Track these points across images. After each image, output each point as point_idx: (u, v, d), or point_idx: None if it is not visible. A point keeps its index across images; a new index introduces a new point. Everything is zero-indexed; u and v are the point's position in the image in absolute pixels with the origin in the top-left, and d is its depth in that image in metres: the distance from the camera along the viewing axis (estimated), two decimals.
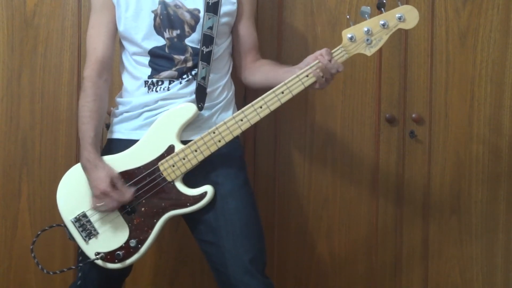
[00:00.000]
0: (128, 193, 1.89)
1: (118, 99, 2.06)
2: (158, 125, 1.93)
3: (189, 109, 1.92)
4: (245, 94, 2.39)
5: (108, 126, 2.09)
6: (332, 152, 2.47)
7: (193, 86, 1.95)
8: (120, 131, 2.01)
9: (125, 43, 2.03)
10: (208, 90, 1.96)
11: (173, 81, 1.95)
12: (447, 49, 2.43)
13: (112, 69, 2.07)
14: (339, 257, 2.49)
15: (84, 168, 1.92)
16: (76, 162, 1.99)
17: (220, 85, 2.02)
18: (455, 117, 2.44)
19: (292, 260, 2.50)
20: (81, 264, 1.98)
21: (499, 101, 2.43)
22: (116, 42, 2.12)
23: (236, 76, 2.14)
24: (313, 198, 2.48)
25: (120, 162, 1.93)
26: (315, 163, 2.47)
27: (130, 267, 2.06)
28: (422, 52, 2.43)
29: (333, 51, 1.87)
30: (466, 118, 2.44)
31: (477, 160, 2.44)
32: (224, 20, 1.99)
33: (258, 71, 2.08)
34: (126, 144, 1.96)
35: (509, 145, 2.43)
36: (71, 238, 1.97)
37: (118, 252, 1.93)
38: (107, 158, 1.94)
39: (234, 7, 2.03)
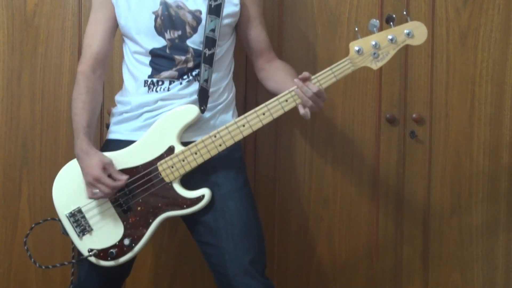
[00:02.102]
0: (121, 178, 1.89)
1: (118, 98, 2.06)
2: (160, 125, 1.93)
3: (192, 111, 1.92)
4: (245, 94, 2.39)
5: (108, 126, 2.09)
6: (332, 152, 2.46)
7: (193, 87, 1.95)
8: (119, 132, 2.01)
9: (127, 41, 2.03)
10: (210, 91, 1.96)
11: (174, 82, 1.95)
12: (448, 49, 2.42)
13: (107, 66, 2.08)
14: (340, 257, 2.49)
15: (78, 157, 1.92)
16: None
17: (222, 86, 2.01)
18: (455, 117, 2.43)
19: (293, 260, 2.49)
20: (74, 260, 1.99)
21: (500, 101, 2.43)
22: (118, 41, 2.12)
23: (236, 76, 2.14)
24: (314, 198, 2.48)
25: (118, 159, 1.94)
26: (316, 163, 2.47)
27: (129, 267, 2.07)
28: (423, 52, 2.42)
29: (338, 63, 1.85)
30: (466, 118, 2.43)
31: (477, 160, 2.44)
32: (226, 21, 1.99)
33: (272, 79, 2.06)
34: (125, 145, 1.96)
35: (510, 145, 2.43)
36: (65, 233, 1.98)
37: (112, 250, 1.93)
38: (106, 155, 1.94)
39: (237, 8, 2.02)
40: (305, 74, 1.83)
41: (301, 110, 1.85)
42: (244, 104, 2.39)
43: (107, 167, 1.89)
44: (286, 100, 1.86)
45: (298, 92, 1.84)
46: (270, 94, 1.96)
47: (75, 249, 1.99)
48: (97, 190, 1.89)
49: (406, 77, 2.43)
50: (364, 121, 2.45)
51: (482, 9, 2.41)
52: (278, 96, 1.86)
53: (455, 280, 2.48)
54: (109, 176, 1.88)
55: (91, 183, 1.88)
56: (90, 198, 1.92)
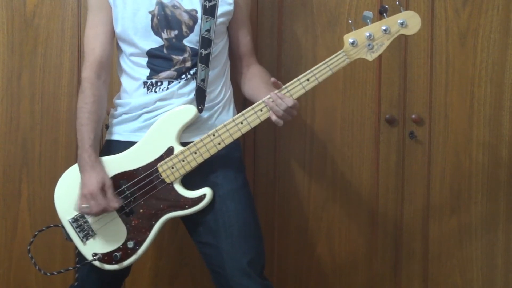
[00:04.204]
0: (114, 203, 1.89)
1: (117, 101, 2.06)
2: (158, 126, 1.93)
3: (190, 111, 1.92)
4: None
5: (107, 127, 2.09)
6: (332, 153, 2.46)
7: (191, 86, 1.96)
8: (119, 133, 2.01)
9: (122, 45, 2.02)
10: (207, 90, 1.96)
11: (172, 81, 1.95)
12: (447, 49, 2.43)
13: (111, 70, 2.07)
14: (339, 258, 2.49)
15: (81, 168, 1.92)
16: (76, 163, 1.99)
17: (219, 85, 2.02)
18: (455, 117, 2.44)
19: (292, 261, 2.50)
20: (78, 265, 1.98)
21: (499, 102, 2.43)
22: (114, 44, 2.12)
23: (236, 76, 2.14)
24: (313, 199, 2.48)
25: (119, 163, 1.94)
26: (315, 164, 2.47)
27: (129, 268, 2.06)
28: (422, 52, 2.43)
29: (333, 56, 1.85)
30: (466, 118, 2.43)
31: (476, 161, 2.44)
32: (221, 20, 1.99)
33: (248, 85, 2.07)
34: (125, 146, 1.96)
35: (509, 145, 2.43)
36: (68, 238, 1.98)
37: (116, 253, 1.93)
38: (106, 159, 1.94)
39: (231, 7, 2.02)
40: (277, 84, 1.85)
41: (273, 117, 1.86)
42: (243, 104, 2.38)
43: (106, 189, 1.89)
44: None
45: (271, 104, 1.84)
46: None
47: (78, 252, 1.99)
48: (87, 205, 1.88)
49: (406, 78, 2.44)
50: (364, 121, 2.45)
51: (482, 10, 2.41)
52: (276, 92, 1.87)
53: (454, 281, 2.48)
54: (104, 195, 1.89)
55: (85, 196, 1.89)
56: (77, 210, 1.93)
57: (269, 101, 1.85)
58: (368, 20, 1.84)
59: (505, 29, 2.41)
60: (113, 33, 2.03)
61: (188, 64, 1.95)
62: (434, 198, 2.45)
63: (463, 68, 2.42)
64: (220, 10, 1.98)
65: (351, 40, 1.85)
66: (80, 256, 1.98)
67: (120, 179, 1.93)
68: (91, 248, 1.95)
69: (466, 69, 2.42)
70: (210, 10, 1.95)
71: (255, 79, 2.06)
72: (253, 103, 1.90)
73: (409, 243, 2.47)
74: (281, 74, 2.44)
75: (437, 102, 2.43)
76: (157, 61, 1.96)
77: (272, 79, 1.87)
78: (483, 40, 2.42)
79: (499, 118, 2.43)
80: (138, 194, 1.92)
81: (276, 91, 1.86)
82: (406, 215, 2.47)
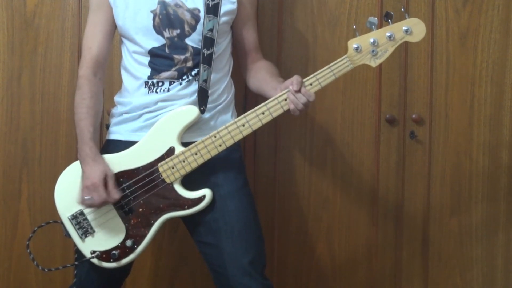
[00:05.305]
0: (116, 194, 1.89)
1: (118, 99, 2.06)
2: (160, 126, 1.93)
3: (192, 112, 1.92)
4: (245, 93, 2.39)
5: (107, 127, 2.09)
6: (332, 153, 2.46)
7: (193, 87, 1.95)
8: (119, 132, 2.01)
9: (125, 41, 2.03)
10: (209, 91, 1.96)
11: (174, 82, 1.95)
12: (447, 49, 2.43)
13: (111, 69, 2.07)
14: (339, 258, 2.49)
15: (82, 161, 1.92)
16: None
17: (221, 86, 2.01)
18: (455, 117, 2.44)
19: (292, 261, 2.50)
20: (76, 263, 1.99)
21: (499, 102, 2.43)
22: (116, 41, 2.12)
23: (236, 76, 2.14)
24: (313, 199, 2.48)
25: (119, 161, 1.94)
26: (315, 164, 2.47)
27: (129, 267, 2.07)
28: (422, 52, 2.43)
29: (337, 61, 1.85)
30: (466, 118, 2.44)
31: (477, 161, 2.44)
32: (224, 19, 1.99)
33: (254, 77, 2.08)
34: (125, 145, 1.96)
35: (510, 145, 2.43)
36: (67, 235, 1.98)
37: (114, 251, 1.93)
38: (107, 157, 1.94)
39: (234, 6, 2.02)
40: (298, 80, 1.84)
41: (291, 106, 1.85)
42: (244, 104, 2.39)
43: (108, 179, 1.89)
44: (285, 99, 1.86)
45: (291, 97, 1.84)
46: None
47: (76, 249, 2.00)
48: (89, 197, 1.89)
49: (406, 78, 2.44)
50: (364, 121, 2.45)
51: (482, 10, 2.41)
52: (277, 95, 1.86)
53: (454, 281, 2.48)
54: (106, 187, 1.89)
55: (87, 187, 1.89)
56: (80, 203, 1.93)
57: (291, 96, 1.84)
58: (373, 26, 1.84)
59: (505, 29, 2.41)
60: (111, 32, 2.04)
61: (190, 64, 1.95)
62: (434, 198, 2.45)
63: (463, 68, 2.43)
64: (224, 9, 1.98)
65: (355, 46, 1.85)
66: (78, 253, 1.98)
67: (120, 177, 1.93)
68: (89, 246, 1.95)
69: (467, 69, 2.43)
70: (213, 9, 1.95)
71: (261, 71, 2.07)
72: (258, 95, 1.90)
73: (409, 243, 2.47)
74: (281, 73, 2.42)
75: (437, 102, 2.43)
76: (158, 60, 1.96)
77: (297, 82, 1.85)
78: (484, 40, 2.42)
79: (499, 118, 2.43)
80: (138, 193, 1.92)
81: (282, 92, 1.86)
82: (406, 215, 2.46)
